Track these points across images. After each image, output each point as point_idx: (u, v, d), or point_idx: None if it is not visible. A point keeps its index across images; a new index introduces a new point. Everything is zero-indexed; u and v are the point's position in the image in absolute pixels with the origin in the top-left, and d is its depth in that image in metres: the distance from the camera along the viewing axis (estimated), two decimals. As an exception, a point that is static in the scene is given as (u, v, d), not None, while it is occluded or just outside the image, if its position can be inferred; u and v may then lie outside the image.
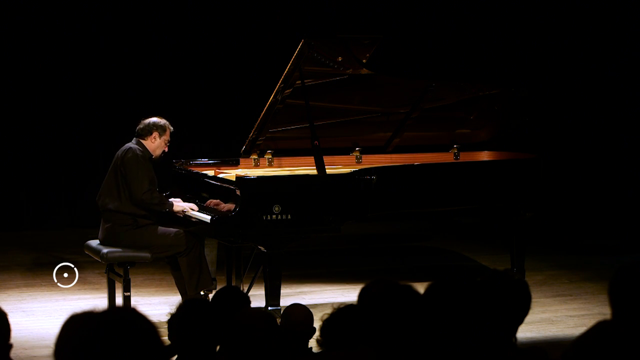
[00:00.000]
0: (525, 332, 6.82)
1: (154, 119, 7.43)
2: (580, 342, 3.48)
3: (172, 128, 7.46)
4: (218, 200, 7.26)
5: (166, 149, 7.49)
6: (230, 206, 7.00)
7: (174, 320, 3.97)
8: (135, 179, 7.22)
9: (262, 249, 6.93)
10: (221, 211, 7.13)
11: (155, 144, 7.39)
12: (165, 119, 7.49)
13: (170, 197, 7.48)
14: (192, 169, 7.89)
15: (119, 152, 7.37)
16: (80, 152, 11.50)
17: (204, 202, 7.37)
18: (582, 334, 3.49)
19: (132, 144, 7.36)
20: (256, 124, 7.74)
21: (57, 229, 11.41)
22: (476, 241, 10.80)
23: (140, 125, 7.41)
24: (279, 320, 5.03)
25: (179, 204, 7.32)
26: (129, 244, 7.21)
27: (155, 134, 7.38)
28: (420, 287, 3.55)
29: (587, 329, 3.50)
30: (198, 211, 7.22)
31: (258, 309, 4.16)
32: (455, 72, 11.38)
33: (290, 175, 7.61)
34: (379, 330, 3.38)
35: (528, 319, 3.74)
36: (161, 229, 7.29)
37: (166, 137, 7.43)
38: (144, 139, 7.38)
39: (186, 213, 7.25)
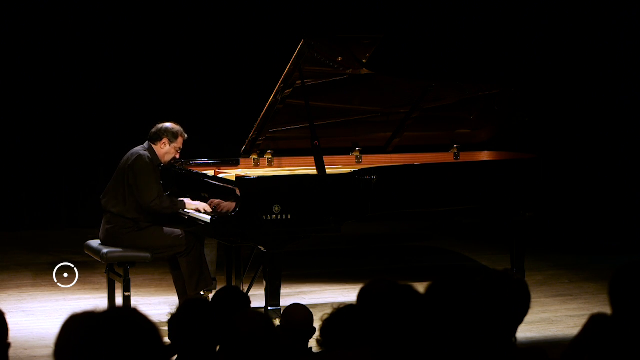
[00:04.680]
0: (525, 332, 6.82)
1: (168, 125, 7.37)
2: (578, 341, 3.49)
3: (185, 135, 7.40)
4: (219, 200, 7.26)
5: (177, 156, 7.45)
6: (231, 205, 7.00)
7: (174, 320, 3.96)
8: (144, 188, 7.18)
9: (262, 249, 6.93)
10: (221, 211, 7.13)
11: (165, 150, 7.35)
12: (166, 119, 7.45)
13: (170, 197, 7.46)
14: (192, 169, 7.88)
15: (128, 155, 7.30)
16: (81, 152, 11.50)
17: (206, 202, 7.36)
18: (578, 333, 3.50)
19: (141, 150, 7.30)
20: (256, 124, 7.73)
21: (57, 229, 11.41)
22: (476, 241, 10.81)
23: (153, 130, 7.36)
24: (278, 321, 5.03)
25: (191, 203, 7.29)
26: (129, 245, 7.21)
27: (165, 140, 7.33)
28: (420, 287, 3.55)
29: (582, 327, 3.51)
30: (198, 211, 7.22)
31: (255, 311, 4.15)
32: (455, 72, 11.38)
33: (290, 175, 7.60)
34: (379, 330, 3.38)
35: (528, 319, 3.75)
36: (161, 230, 7.28)
37: (177, 144, 7.37)
38: (154, 144, 7.34)
39: (189, 214, 7.24)
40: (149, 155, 7.27)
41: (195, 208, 7.21)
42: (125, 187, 7.25)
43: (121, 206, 7.26)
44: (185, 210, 7.27)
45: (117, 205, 7.27)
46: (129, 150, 7.36)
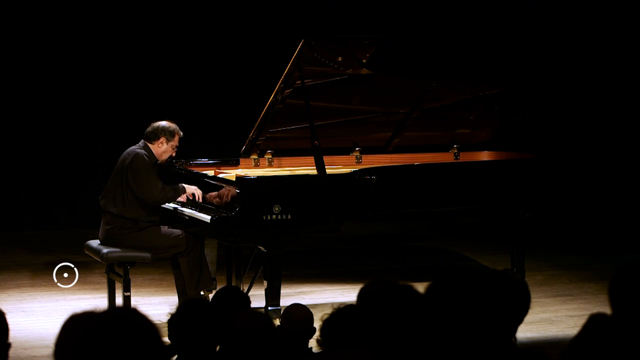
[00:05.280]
0: (525, 332, 6.82)
1: (164, 124, 7.38)
2: (577, 340, 3.49)
3: (181, 133, 7.42)
4: (215, 192, 7.25)
5: (173, 154, 7.47)
6: (231, 190, 7.00)
7: (174, 320, 3.97)
8: (147, 184, 7.19)
9: (262, 249, 6.93)
10: (222, 204, 7.12)
11: (162, 149, 7.36)
12: (166, 119, 7.46)
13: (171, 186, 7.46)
14: (192, 169, 7.88)
15: (125, 155, 7.31)
16: (81, 152, 11.50)
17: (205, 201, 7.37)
18: (578, 333, 3.50)
19: (137, 149, 7.31)
20: (256, 124, 7.73)
21: (57, 229, 11.41)
22: (476, 241, 10.80)
23: (149, 129, 7.36)
24: (278, 321, 5.03)
25: (189, 187, 7.32)
26: (129, 245, 7.21)
27: (162, 139, 7.34)
28: (420, 287, 3.54)
29: (582, 327, 3.51)
30: (198, 211, 7.22)
31: (255, 311, 4.15)
32: (455, 72, 11.38)
33: (290, 175, 7.61)
34: (379, 330, 3.38)
35: (528, 319, 3.75)
36: (161, 230, 7.29)
37: (174, 142, 7.39)
38: (151, 143, 7.34)
39: (187, 213, 7.24)
40: (146, 153, 7.28)
41: (192, 192, 7.26)
42: (124, 187, 7.25)
43: (120, 206, 7.26)
44: (183, 210, 7.28)
45: (117, 205, 7.28)
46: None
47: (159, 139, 7.34)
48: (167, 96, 11.37)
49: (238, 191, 6.89)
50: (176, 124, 7.47)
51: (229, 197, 7.07)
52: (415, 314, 3.34)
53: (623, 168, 11.59)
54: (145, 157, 7.25)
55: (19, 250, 10.29)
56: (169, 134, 7.35)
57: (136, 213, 7.25)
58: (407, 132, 8.34)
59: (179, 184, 7.35)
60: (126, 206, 7.25)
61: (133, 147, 7.34)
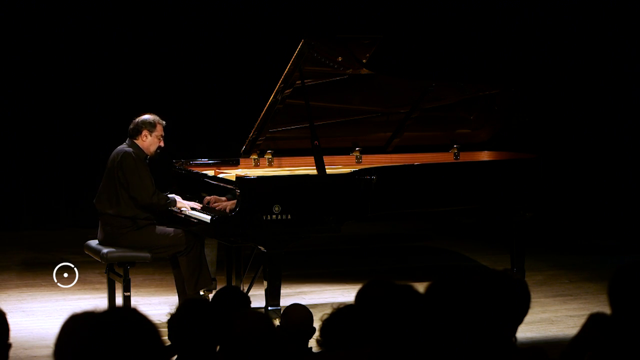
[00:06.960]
0: (525, 332, 6.82)
1: (143, 117, 7.37)
2: (577, 340, 3.49)
3: (163, 122, 7.40)
4: (215, 197, 7.25)
5: (162, 144, 7.44)
6: (228, 203, 7.00)
7: (174, 320, 3.96)
8: (139, 185, 7.19)
9: (262, 249, 6.93)
10: (220, 210, 7.12)
11: (148, 142, 7.35)
12: (166, 119, 7.46)
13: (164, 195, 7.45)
14: (192, 169, 7.88)
15: (114, 155, 7.31)
16: (80, 152, 11.50)
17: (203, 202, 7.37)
18: (578, 332, 3.50)
19: (125, 147, 7.30)
20: (256, 124, 7.73)
21: (57, 229, 11.41)
22: (476, 241, 10.80)
23: (131, 126, 7.36)
24: (278, 321, 5.03)
25: (181, 201, 7.31)
26: (128, 245, 7.21)
27: (145, 132, 7.34)
28: (420, 287, 3.54)
29: (582, 326, 3.51)
30: (198, 211, 7.21)
31: (255, 311, 4.15)
32: (455, 72, 11.38)
33: (290, 175, 7.61)
34: (379, 330, 3.38)
35: (528, 319, 3.75)
36: (160, 229, 7.29)
37: (157, 132, 7.37)
38: (135, 139, 7.34)
39: (186, 213, 7.24)
40: (134, 150, 7.27)
41: (183, 206, 7.24)
42: (118, 186, 7.24)
43: (116, 207, 7.25)
44: (181, 209, 7.28)
45: (113, 206, 7.26)
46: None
47: (141, 133, 7.34)
48: (168, 96, 11.36)
49: (238, 192, 6.90)
50: (177, 124, 7.46)
51: (227, 211, 7.05)
52: (414, 314, 3.34)
53: (623, 168, 11.60)
54: (133, 154, 7.24)
55: (19, 250, 10.29)
56: (149, 125, 7.34)
57: (134, 211, 7.25)
58: (407, 132, 8.33)
59: (173, 197, 7.34)
60: (122, 205, 7.24)
61: (121, 146, 7.35)
